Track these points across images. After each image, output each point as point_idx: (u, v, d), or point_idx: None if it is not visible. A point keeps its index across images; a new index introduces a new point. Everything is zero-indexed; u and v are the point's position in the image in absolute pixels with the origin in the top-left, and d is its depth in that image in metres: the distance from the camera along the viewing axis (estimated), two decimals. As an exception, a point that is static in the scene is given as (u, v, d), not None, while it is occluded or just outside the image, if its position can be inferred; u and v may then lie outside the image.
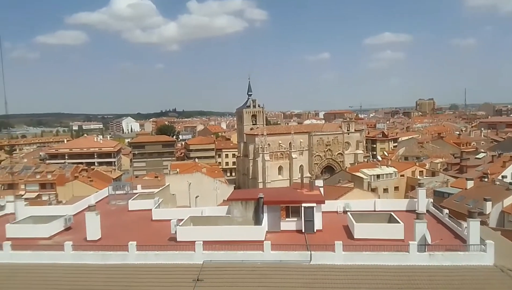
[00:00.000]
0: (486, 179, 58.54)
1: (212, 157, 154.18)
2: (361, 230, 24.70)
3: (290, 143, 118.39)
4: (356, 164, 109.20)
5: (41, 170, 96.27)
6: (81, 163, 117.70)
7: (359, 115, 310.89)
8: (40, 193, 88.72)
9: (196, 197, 47.66)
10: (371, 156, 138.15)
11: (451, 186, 62.27)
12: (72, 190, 78.43)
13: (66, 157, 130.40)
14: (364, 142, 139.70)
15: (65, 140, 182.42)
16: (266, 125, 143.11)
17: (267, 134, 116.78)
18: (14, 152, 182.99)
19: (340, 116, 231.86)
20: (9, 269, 22.83)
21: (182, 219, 26.51)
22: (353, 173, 79.74)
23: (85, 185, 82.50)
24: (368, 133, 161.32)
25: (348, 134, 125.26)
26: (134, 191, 39.73)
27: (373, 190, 71.85)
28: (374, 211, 29.91)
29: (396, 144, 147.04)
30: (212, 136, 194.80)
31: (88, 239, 25.50)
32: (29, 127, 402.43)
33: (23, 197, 60.17)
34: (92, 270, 22.29)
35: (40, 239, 26.22)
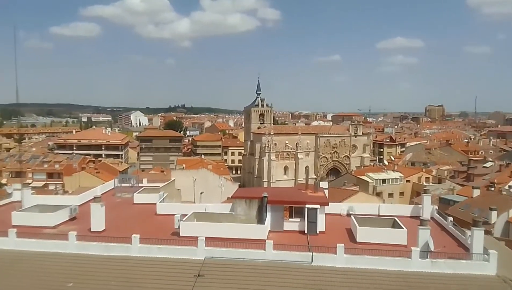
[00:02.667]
0: (492, 189, 57.98)
1: (219, 154, 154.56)
2: (364, 234, 24.66)
3: (296, 143, 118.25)
4: (362, 167, 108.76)
5: (49, 160, 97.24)
6: (89, 154, 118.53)
7: (368, 118, 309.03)
8: (47, 182, 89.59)
9: (201, 193, 47.87)
10: (377, 160, 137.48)
11: (457, 194, 61.77)
12: (79, 181, 79.10)
13: (74, 148, 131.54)
14: (371, 145, 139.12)
15: (74, 131, 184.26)
16: (273, 124, 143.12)
17: (274, 133, 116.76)
18: (23, 141, 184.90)
19: (348, 118, 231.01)
20: (14, 256, 23.18)
21: (186, 215, 26.70)
22: (359, 177, 79.39)
23: (91, 176, 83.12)
24: (376, 137, 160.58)
25: (356, 137, 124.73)
26: (140, 185, 40.04)
27: (378, 194, 71.51)
28: (378, 215, 29.81)
29: (403, 149, 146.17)
30: (219, 133, 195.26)
31: (92, 230, 25.79)
32: (39, 117, 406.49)
33: (30, 185, 60.83)
34: (95, 261, 22.54)
35: (45, 227, 26.57)
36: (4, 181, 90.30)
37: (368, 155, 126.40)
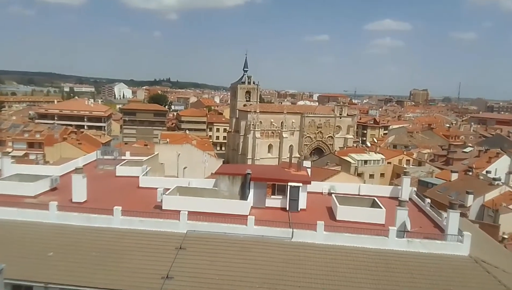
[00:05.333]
0: (470, 173, 59.53)
1: (203, 130, 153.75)
2: (343, 212, 25.20)
3: (282, 122, 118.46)
4: (345, 148, 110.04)
5: (30, 129, 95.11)
6: (71, 125, 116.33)
7: (353, 100, 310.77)
8: (28, 152, 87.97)
9: (184, 168, 47.68)
10: (360, 142, 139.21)
11: (436, 177, 63.32)
12: (60, 152, 77.86)
13: (56, 118, 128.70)
14: (355, 127, 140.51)
15: (56, 101, 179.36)
16: (259, 102, 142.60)
17: (260, 111, 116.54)
18: (3, 109, 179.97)
19: (334, 99, 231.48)
20: (-7, 224, 22.91)
21: (169, 189, 26.70)
22: (341, 157, 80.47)
23: (73, 147, 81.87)
24: (360, 119, 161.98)
25: (340, 118, 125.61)
26: (123, 157, 39.63)
27: (360, 175, 72.81)
28: (358, 195, 30.41)
29: (386, 131, 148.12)
30: (204, 109, 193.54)
31: (73, 200, 25.59)
32: (20, 85, 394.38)
33: (10, 154, 59.65)
34: (76, 232, 22.48)
35: (26, 197, 26.24)
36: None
37: (352, 136, 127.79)
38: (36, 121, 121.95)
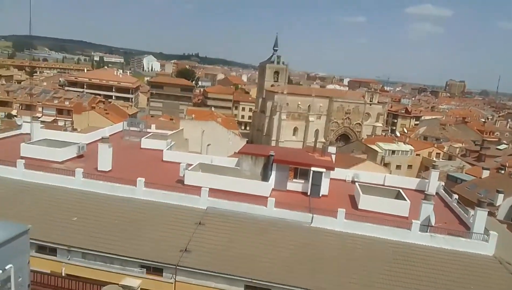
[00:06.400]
0: (502, 171, 57.35)
1: (229, 108, 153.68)
2: (366, 202, 24.72)
3: (309, 105, 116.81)
4: (373, 136, 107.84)
5: (60, 96, 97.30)
6: (99, 94, 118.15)
7: (385, 87, 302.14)
8: (57, 118, 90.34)
9: (208, 145, 47.89)
10: (389, 131, 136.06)
11: (466, 173, 61.37)
12: (88, 120, 79.73)
13: (85, 86, 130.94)
14: (385, 115, 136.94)
15: (86, 70, 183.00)
16: (287, 83, 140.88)
17: (287, 93, 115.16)
18: (35, 74, 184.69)
19: (365, 85, 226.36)
20: (21, 186, 23.71)
21: (192, 164, 26.82)
22: (368, 145, 78.90)
23: (101, 116, 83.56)
24: (391, 107, 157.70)
25: (370, 105, 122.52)
26: (148, 130, 40.12)
27: (386, 165, 71.29)
28: (383, 185, 29.75)
29: (418, 122, 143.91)
30: (231, 87, 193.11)
31: (99, 169, 26.10)
32: (51, 51, 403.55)
33: (40, 119, 61.42)
34: (100, 199, 23.01)
35: (53, 162, 26.96)
36: (14, 112, 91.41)
37: (381, 125, 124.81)
38: (66, 88, 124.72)
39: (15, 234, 6.53)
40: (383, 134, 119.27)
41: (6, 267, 5.44)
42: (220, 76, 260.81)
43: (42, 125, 35.02)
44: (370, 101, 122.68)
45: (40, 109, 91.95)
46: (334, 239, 21.24)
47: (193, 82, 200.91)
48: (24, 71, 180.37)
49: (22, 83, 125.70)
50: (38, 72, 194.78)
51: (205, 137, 50.23)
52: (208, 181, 24.49)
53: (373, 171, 40.00)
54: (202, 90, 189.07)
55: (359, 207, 24.58)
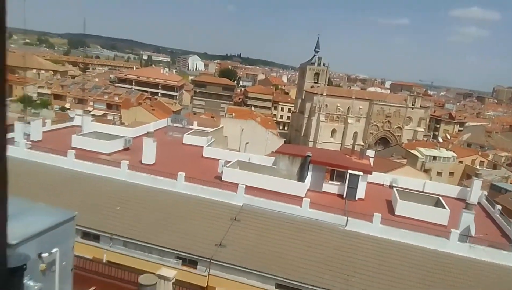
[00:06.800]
0: (552, 183, 54.03)
1: (268, 108, 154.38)
2: (403, 208, 24.34)
3: (348, 107, 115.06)
4: (414, 141, 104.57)
5: (110, 92, 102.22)
6: (146, 91, 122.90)
7: (429, 91, 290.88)
8: (106, 112, 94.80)
9: (246, 143, 48.67)
10: (431, 136, 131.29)
11: (511, 183, 58.28)
12: (135, 115, 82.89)
13: (133, 83, 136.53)
14: (428, 120, 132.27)
15: (134, 67, 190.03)
16: (327, 85, 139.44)
17: (327, 94, 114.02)
18: (87, 70, 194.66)
19: (408, 88, 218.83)
20: (71, 175, 25.39)
21: (230, 161, 27.54)
22: (408, 150, 76.64)
23: (147, 112, 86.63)
24: (434, 112, 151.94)
25: (412, 109, 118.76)
26: (190, 127, 41.43)
27: (426, 171, 69.01)
28: (422, 191, 29.08)
29: (462, 128, 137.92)
30: (271, 87, 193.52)
31: (143, 162, 27.43)
32: (103, 49, 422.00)
33: (91, 113, 64.84)
34: (143, 190, 24.21)
35: (101, 153, 28.61)
36: (67, 105, 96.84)
37: (423, 130, 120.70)
38: (116, 84, 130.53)
39: (62, 220, 7.05)
40: (425, 139, 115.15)
41: (52, 251, 6.00)
42: (261, 76, 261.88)
43: (92, 119, 37.14)
44: (412, 105, 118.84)
45: (91, 103, 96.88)
46: (369, 244, 21.13)
47: (235, 81, 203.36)
48: (78, 67, 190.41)
49: (75, 78, 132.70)
50: (90, 69, 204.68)
51: (244, 136, 51.06)
52: (245, 178, 25.08)
53: (412, 176, 39.05)
54: (243, 89, 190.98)
55: (396, 213, 24.25)
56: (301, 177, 26.90)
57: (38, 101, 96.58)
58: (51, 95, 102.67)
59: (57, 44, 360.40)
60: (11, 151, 26.73)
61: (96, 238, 21.12)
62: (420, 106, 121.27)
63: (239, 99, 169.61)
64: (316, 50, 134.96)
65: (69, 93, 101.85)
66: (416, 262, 20.11)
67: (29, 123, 31.94)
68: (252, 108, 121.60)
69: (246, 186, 23.55)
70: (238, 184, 23.66)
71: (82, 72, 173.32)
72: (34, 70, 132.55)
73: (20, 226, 7.33)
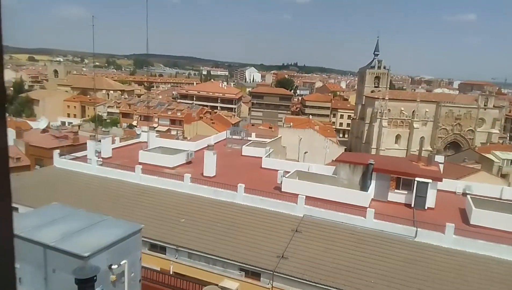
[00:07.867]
0: None
1: (327, 115, 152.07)
2: (479, 217, 22.42)
3: (413, 111, 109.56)
4: (488, 144, 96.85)
5: (173, 108, 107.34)
6: (206, 105, 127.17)
7: (502, 89, 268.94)
8: (170, 127, 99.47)
9: (305, 153, 48.14)
10: (508, 138, 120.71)
11: None
12: (196, 129, 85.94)
13: (194, 98, 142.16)
14: (503, 121, 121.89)
15: (195, 83, 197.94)
16: (389, 89, 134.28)
17: (389, 98, 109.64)
18: (152, 88, 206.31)
19: (479, 88, 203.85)
20: (138, 189, 26.71)
21: (289, 172, 27.31)
22: (483, 154, 71.02)
23: (207, 126, 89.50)
24: (510, 112, 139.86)
25: (485, 109, 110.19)
26: (249, 138, 41.94)
27: (504, 176, 63.38)
28: (500, 199, 26.63)
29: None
30: (329, 94, 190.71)
31: (204, 174, 28.14)
32: (166, 68, 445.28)
33: (156, 129, 68.28)
34: (205, 202, 24.78)
35: (165, 167, 29.83)
36: (134, 123, 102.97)
37: (498, 131, 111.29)
38: (178, 100, 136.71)
39: (130, 233, 7.26)
40: (501, 141, 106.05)
41: (121, 262, 6.16)
42: (318, 84, 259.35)
43: (157, 134, 39.04)
44: (485, 105, 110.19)
45: (156, 119, 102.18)
46: (442, 256, 19.68)
47: (292, 91, 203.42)
48: (143, 86, 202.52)
49: (141, 97, 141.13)
50: (154, 87, 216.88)
51: (302, 145, 50.57)
52: (305, 188, 24.69)
53: (488, 182, 35.99)
54: (300, 98, 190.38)
55: (471, 223, 22.38)
56: (364, 186, 25.90)
57: (108, 120, 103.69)
58: (119, 114, 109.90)
59: (123, 65, 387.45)
60: (85, 168, 28.93)
61: (162, 249, 21.83)
62: (494, 106, 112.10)
63: (296, 108, 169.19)
64: (375, 53, 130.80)
65: (135, 111, 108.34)
66: (497, 276, 18.35)
67: (100, 141, 34.31)
68: (310, 116, 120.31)
69: (306, 196, 23.16)
70: (298, 194, 23.34)
71: (147, 90, 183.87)
72: (104, 91, 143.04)
73: (91, 239, 7.75)
